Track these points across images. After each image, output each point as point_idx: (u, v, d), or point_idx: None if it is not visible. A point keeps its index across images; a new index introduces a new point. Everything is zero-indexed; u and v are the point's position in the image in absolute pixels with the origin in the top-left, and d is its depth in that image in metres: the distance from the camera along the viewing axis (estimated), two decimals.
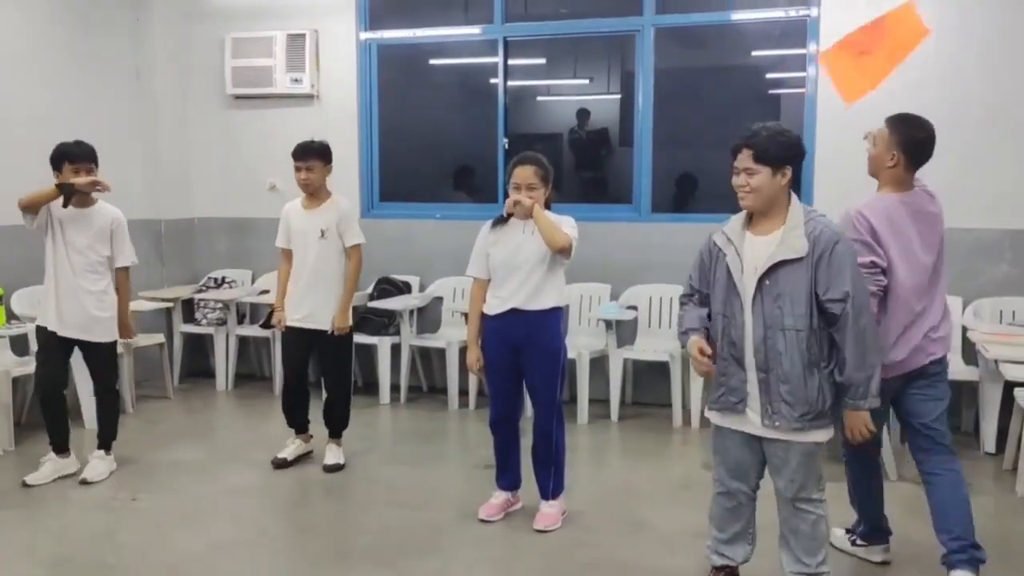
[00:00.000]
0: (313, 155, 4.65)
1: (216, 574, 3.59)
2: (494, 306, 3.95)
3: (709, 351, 3.04)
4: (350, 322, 4.79)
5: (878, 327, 3.14)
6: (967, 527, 3.30)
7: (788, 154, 2.92)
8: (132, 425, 5.68)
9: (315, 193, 4.72)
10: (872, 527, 3.68)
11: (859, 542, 3.73)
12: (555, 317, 3.94)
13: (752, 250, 2.96)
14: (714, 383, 3.09)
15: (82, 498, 4.39)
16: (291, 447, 4.93)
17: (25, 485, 4.43)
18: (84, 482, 4.51)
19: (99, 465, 4.64)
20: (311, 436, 5.00)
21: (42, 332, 4.52)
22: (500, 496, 4.16)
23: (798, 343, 2.87)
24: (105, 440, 4.71)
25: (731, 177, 3.00)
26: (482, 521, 4.06)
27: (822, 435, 2.97)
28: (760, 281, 2.91)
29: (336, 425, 4.91)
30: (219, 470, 4.85)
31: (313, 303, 4.69)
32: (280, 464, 4.82)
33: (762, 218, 2.98)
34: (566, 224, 3.89)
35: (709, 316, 3.11)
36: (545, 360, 3.92)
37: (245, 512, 4.27)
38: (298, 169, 4.66)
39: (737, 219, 3.07)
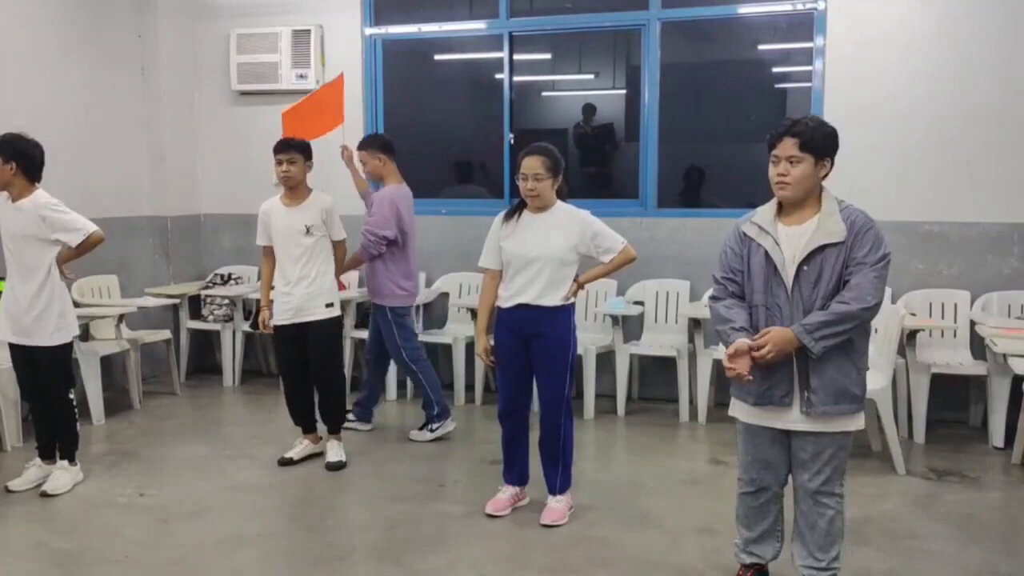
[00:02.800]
0: (293, 149, 4.67)
1: (223, 570, 3.59)
2: (506, 299, 3.96)
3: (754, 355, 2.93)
4: (335, 303, 4.79)
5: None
6: None
7: (830, 145, 2.93)
8: (139, 421, 5.70)
9: (296, 188, 4.71)
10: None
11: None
12: (565, 313, 3.94)
13: (787, 239, 2.95)
14: (756, 378, 2.98)
15: (89, 494, 4.40)
16: (298, 447, 4.93)
17: (7, 491, 4.38)
18: (44, 494, 4.32)
19: (62, 476, 4.44)
20: (320, 437, 5.00)
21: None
22: (508, 491, 4.16)
23: None
24: (66, 450, 4.50)
25: (769, 167, 2.96)
26: (489, 516, 4.06)
27: (853, 424, 2.97)
28: (799, 268, 2.90)
29: (333, 420, 4.91)
30: (226, 466, 4.85)
31: (301, 298, 4.69)
32: (286, 463, 4.83)
33: (794, 209, 2.97)
34: (606, 237, 3.94)
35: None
36: (554, 355, 3.91)
37: (252, 508, 4.28)
38: (279, 163, 4.66)
39: (767, 210, 3.04)
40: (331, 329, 4.80)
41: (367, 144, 5.27)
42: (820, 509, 3.03)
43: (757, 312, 3.00)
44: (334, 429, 4.91)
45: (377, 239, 5.02)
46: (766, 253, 2.96)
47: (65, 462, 4.48)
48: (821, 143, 2.90)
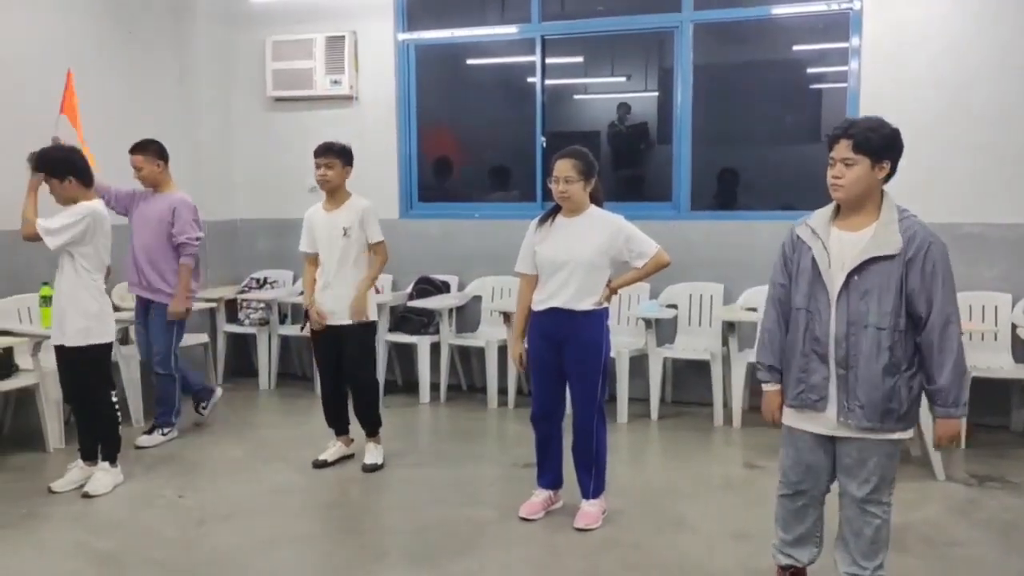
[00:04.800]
0: (333, 154, 4.73)
1: (259, 571, 3.63)
2: (538, 302, 3.97)
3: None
4: (369, 313, 4.79)
5: None
6: None
7: (888, 145, 2.85)
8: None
9: (334, 192, 4.78)
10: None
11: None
12: (598, 316, 3.93)
13: (840, 245, 2.90)
14: (793, 380, 2.99)
15: (129, 495, 4.47)
16: (331, 449, 4.97)
17: (50, 491, 4.46)
18: (85, 495, 4.38)
19: (103, 478, 4.49)
20: (352, 440, 5.04)
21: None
22: (541, 494, 4.15)
23: (880, 342, 2.81)
24: (107, 452, 4.56)
25: (827, 169, 2.90)
26: (523, 519, 4.06)
27: (900, 434, 2.92)
28: (849, 276, 2.85)
29: (369, 424, 4.94)
30: (262, 468, 4.91)
31: (336, 300, 4.75)
32: (320, 466, 4.88)
33: (852, 213, 2.91)
34: (639, 242, 3.93)
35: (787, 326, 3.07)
36: (586, 358, 3.91)
37: (287, 510, 4.32)
38: (318, 166, 4.73)
39: (823, 213, 3.00)
40: (364, 333, 4.83)
41: (144, 149, 5.33)
42: (867, 518, 2.98)
43: (799, 315, 2.97)
44: (371, 432, 4.94)
45: (196, 242, 5.30)
46: (813, 257, 2.93)
47: (106, 464, 4.55)
48: (877, 144, 2.83)
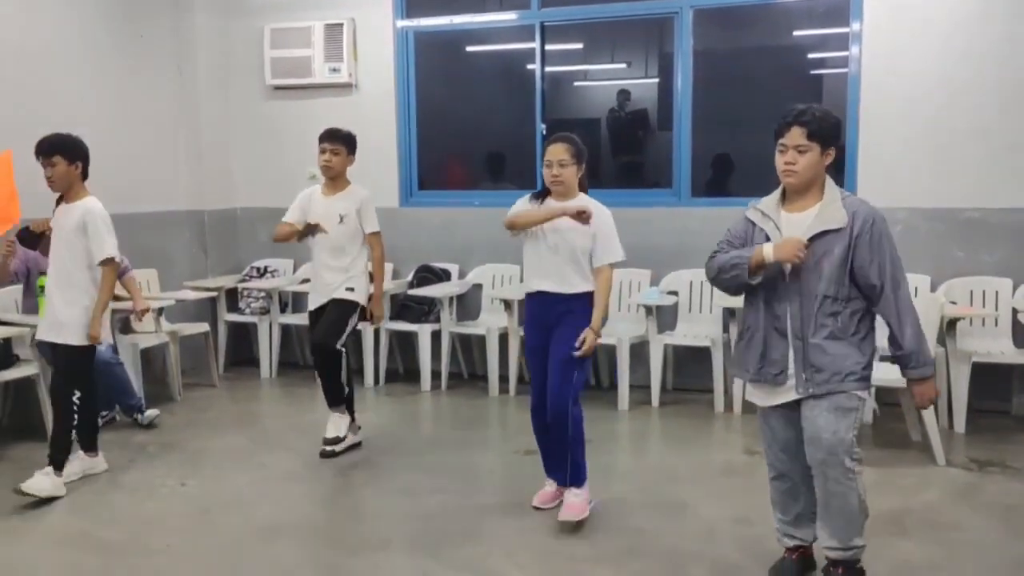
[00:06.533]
0: (339, 140, 4.76)
1: (262, 559, 3.65)
2: (529, 283, 4.00)
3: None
4: (360, 298, 4.82)
5: None
6: None
7: (836, 133, 3.03)
8: (179, 413, 5.79)
9: (335, 179, 4.81)
10: None
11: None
12: (587, 299, 3.91)
13: (789, 226, 3.04)
14: (754, 356, 3.11)
15: (131, 484, 4.48)
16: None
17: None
18: (17, 491, 4.15)
19: (42, 481, 4.23)
20: (359, 427, 5.03)
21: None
22: (552, 483, 4.10)
23: (830, 310, 2.97)
24: (52, 455, 4.30)
25: (775, 156, 3.05)
26: (536, 508, 4.04)
27: (856, 388, 2.99)
28: None
29: (330, 395, 4.89)
30: (264, 456, 4.92)
31: (329, 283, 4.79)
32: (331, 444, 4.84)
33: (798, 196, 3.07)
34: (610, 245, 3.86)
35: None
36: (567, 339, 3.85)
37: (290, 498, 4.33)
38: (323, 151, 4.75)
39: (771, 198, 3.16)
40: (343, 307, 4.80)
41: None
42: (831, 486, 3.01)
43: (758, 294, 3.11)
44: (331, 403, 4.90)
45: None
46: (767, 237, 3.07)
47: (50, 468, 4.29)
48: (828, 132, 2.99)
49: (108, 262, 4.27)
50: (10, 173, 4.62)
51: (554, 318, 3.90)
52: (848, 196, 3.04)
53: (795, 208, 3.06)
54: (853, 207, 2.98)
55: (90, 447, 4.59)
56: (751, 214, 3.17)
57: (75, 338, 4.27)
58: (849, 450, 2.99)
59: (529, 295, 4.01)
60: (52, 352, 4.42)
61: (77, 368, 4.33)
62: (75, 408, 4.31)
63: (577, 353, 3.81)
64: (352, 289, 4.81)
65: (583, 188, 3.99)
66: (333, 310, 4.81)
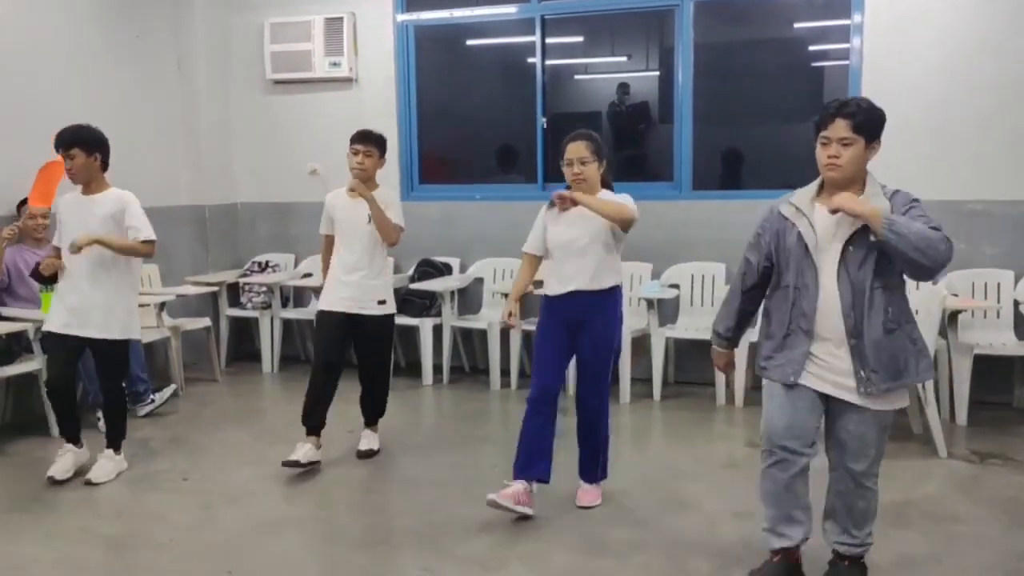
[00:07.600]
0: (372, 142, 4.59)
1: (263, 554, 3.65)
2: (555, 287, 3.91)
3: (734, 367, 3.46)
4: (389, 306, 4.74)
5: None
6: None
7: (880, 127, 2.91)
8: (182, 407, 5.80)
9: (366, 182, 4.59)
10: None
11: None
12: (615, 295, 3.92)
13: (826, 221, 2.91)
14: (775, 350, 3.03)
15: (134, 479, 4.49)
16: (303, 449, 4.52)
17: (52, 481, 4.39)
18: (88, 483, 4.33)
19: (106, 465, 4.46)
20: (321, 444, 4.62)
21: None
22: (520, 485, 3.87)
23: (881, 303, 2.87)
24: (112, 439, 4.53)
25: (817, 148, 2.92)
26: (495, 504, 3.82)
27: (900, 402, 2.98)
28: (844, 248, 2.88)
29: (374, 413, 4.89)
30: (266, 451, 4.91)
31: (356, 289, 4.61)
32: (291, 465, 4.44)
33: (838, 191, 2.89)
34: (623, 197, 3.87)
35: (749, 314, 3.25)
36: (602, 337, 3.87)
37: (292, 493, 4.34)
38: (355, 152, 4.56)
39: (806, 191, 3.01)
40: (383, 326, 4.74)
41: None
42: (861, 491, 3.01)
43: (786, 292, 3.00)
44: (371, 421, 4.90)
45: None
46: (799, 234, 2.95)
47: (111, 451, 4.51)
48: (874, 124, 2.87)
49: (150, 243, 4.32)
50: (61, 173, 4.65)
51: (583, 317, 3.86)
52: (889, 189, 2.92)
53: None
54: (891, 195, 2.89)
55: (76, 439, 4.51)
56: (784, 208, 3.01)
57: (117, 332, 4.33)
58: (881, 459, 3.01)
59: (555, 297, 3.90)
60: (85, 347, 4.37)
61: (121, 360, 4.47)
62: (124, 395, 4.63)
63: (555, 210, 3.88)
64: (384, 302, 4.69)
65: (606, 184, 3.96)
66: (372, 336, 4.68)
